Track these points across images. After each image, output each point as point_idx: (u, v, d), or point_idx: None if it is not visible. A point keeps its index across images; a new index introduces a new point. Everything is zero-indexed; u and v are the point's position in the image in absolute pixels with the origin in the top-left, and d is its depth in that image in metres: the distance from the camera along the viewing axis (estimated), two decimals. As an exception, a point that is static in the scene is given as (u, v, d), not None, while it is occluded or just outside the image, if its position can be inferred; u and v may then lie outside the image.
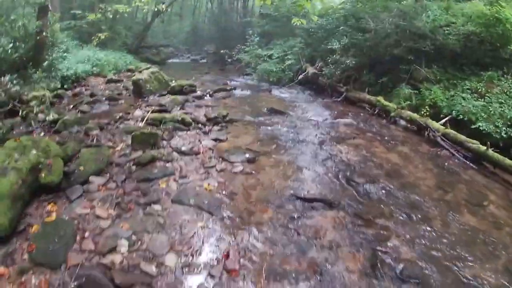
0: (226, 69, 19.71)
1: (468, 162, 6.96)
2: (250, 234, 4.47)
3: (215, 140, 7.18)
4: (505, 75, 8.69)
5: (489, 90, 8.34)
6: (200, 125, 7.99)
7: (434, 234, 4.68)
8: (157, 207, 4.79)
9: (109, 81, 13.03)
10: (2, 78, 8.03)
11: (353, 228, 4.69)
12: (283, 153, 6.83)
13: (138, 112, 8.65)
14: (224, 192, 5.25)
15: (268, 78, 14.83)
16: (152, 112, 8.43)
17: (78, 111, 8.85)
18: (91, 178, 5.30)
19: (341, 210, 4.99)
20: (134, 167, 5.75)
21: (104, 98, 10.09)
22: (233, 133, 7.76)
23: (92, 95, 10.45)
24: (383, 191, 5.55)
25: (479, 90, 8.48)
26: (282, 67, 14.99)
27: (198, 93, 11.46)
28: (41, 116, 7.75)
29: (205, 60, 25.66)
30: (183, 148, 6.54)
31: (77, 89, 11.38)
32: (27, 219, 4.45)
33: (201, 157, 6.31)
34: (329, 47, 13.09)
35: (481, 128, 7.47)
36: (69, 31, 17.68)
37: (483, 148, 6.80)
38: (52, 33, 11.38)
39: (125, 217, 4.59)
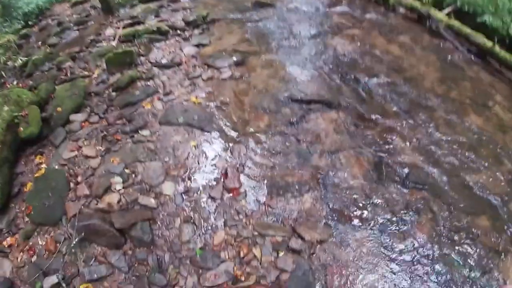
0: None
1: (472, 57, 6.38)
2: (247, 147, 4.17)
3: (197, 45, 6.46)
4: None
5: None
6: (178, 32, 7.14)
7: (439, 136, 4.42)
8: (145, 132, 4.43)
9: (75, 3, 11.63)
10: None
11: (355, 130, 4.41)
12: (274, 51, 6.17)
13: (109, 31, 7.73)
14: (214, 103, 4.83)
15: None
16: (124, 27, 7.54)
17: (47, 46, 8.01)
18: (72, 117, 4.88)
19: (341, 111, 4.64)
20: (114, 93, 5.25)
21: (72, 24, 9.09)
22: (217, 34, 6.97)
23: (59, 24, 9.43)
24: (385, 88, 5.13)
25: None
26: None
27: (173, -4, 10.19)
28: (10, 63, 7.23)
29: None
30: (163, 61, 5.94)
31: (43, 22, 10.30)
32: (19, 179, 4.22)
33: (184, 68, 5.73)
34: None
35: (487, 22, 6.66)
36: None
37: (490, 43, 6.21)
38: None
39: (114, 150, 4.27)
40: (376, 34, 6.88)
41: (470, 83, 5.56)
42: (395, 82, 5.22)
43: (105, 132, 4.48)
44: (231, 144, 4.20)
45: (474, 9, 7.04)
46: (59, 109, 4.94)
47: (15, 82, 6.52)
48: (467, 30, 6.67)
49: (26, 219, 3.75)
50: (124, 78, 5.37)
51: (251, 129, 4.36)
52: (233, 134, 4.30)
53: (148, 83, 5.36)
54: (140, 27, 7.20)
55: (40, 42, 8.44)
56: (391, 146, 4.23)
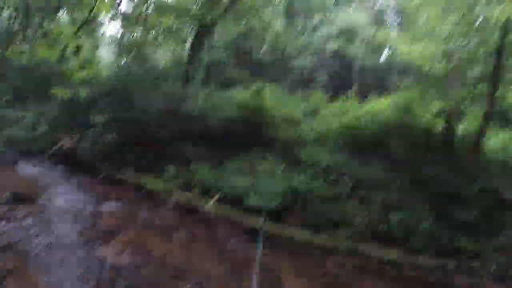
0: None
1: (247, 238, 7.12)
2: None
3: None
4: (266, 155, 9.84)
5: (254, 169, 9.18)
6: None
7: None
8: None
9: None
10: None
11: None
12: (35, 269, 5.06)
13: None
14: None
15: (15, 146, 12.33)
16: None
17: None
18: None
19: None
20: None
21: None
22: None
23: None
24: None
25: (246, 168, 9.23)
26: (34, 135, 12.58)
27: None
28: None
29: None
30: None
31: None
32: None
33: None
34: (90, 120, 11.89)
35: (251, 203, 7.93)
36: None
37: (260, 222, 7.37)
38: None
39: None
40: (152, 234, 6.86)
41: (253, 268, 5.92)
42: None
43: None
44: None
45: (239, 194, 8.24)
46: None
47: None
48: (234, 213, 7.84)
49: None
50: None
51: None
52: None
53: None
54: None
55: None
56: None
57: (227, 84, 12.94)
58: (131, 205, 8.47)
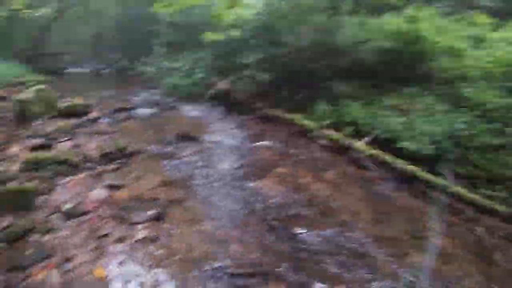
0: (130, 82, 17.79)
1: (398, 184, 6.50)
2: None
3: (110, 187, 5.67)
4: (424, 91, 8.53)
5: (410, 107, 8.11)
6: (91, 165, 6.43)
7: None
8: None
9: (-7, 101, 10.98)
10: None
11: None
12: (198, 199, 5.63)
13: (15, 149, 6.86)
14: (122, 281, 3.81)
15: (176, 93, 13.59)
16: (32, 148, 6.75)
17: None
18: None
19: (280, 284, 3.90)
20: (2, 244, 4.18)
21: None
22: (134, 173, 6.36)
23: (-34, 124, 8.53)
24: (320, 241, 4.69)
25: (401, 107, 8.22)
26: (191, 81, 13.80)
27: (94, 114, 9.88)
28: None
29: (108, 71, 23.48)
30: (66, 206, 4.97)
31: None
32: None
33: (91, 220, 4.80)
34: (243, 61, 12.16)
35: (405, 146, 7.03)
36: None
37: (411, 168, 6.54)
38: None
39: None
40: (303, 170, 6.85)
41: (401, 215, 5.49)
42: (329, 231, 4.88)
43: None
44: None
45: (392, 135, 7.45)
46: None
47: None
48: (387, 157, 6.93)
49: None
50: (15, 229, 4.35)
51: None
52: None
53: (45, 238, 4.33)
54: (48, 154, 6.39)
55: None
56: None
57: (378, 10, 11.61)
58: (284, 142, 8.65)
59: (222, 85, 12.49)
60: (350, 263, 4.29)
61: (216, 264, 4.12)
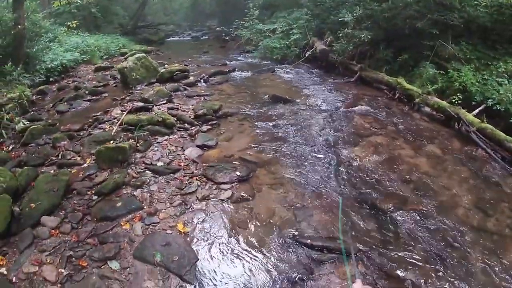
0: (226, 47, 18.08)
1: (508, 167, 5.61)
2: None
3: (202, 147, 5.88)
4: None
5: None
6: (185, 126, 6.67)
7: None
8: (114, 264, 3.62)
9: (98, 69, 11.92)
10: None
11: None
12: (286, 163, 5.47)
13: (116, 111, 7.41)
14: (203, 238, 3.95)
15: (271, 55, 13.27)
16: (130, 111, 7.18)
17: (55, 112, 7.87)
18: (43, 219, 4.21)
19: (359, 262, 3.64)
20: (95, 198, 4.58)
21: (86, 92, 9.01)
22: (226, 133, 6.47)
23: (76, 88, 9.41)
24: (413, 223, 4.25)
25: None
26: (287, 42, 13.30)
27: (191, 79, 10.14)
28: (12, 124, 6.85)
29: (206, 37, 24.08)
30: (159, 164, 5.28)
31: (64, 82, 10.41)
32: None
33: (180, 177, 5.01)
34: (340, 19, 11.28)
35: None
36: (60, 16, 16.48)
37: None
38: (34, 23, 10.72)
39: (75, 280, 3.48)
40: (401, 141, 6.25)
41: (510, 205, 4.72)
42: (424, 213, 4.40)
43: (72, 252, 3.77)
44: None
45: (506, 107, 6.52)
46: (32, 205, 4.33)
47: (11, 147, 6.20)
48: (501, 134, 5.99)
49: None
50: (109, 183, 4.73)
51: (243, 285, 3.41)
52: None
53: (135, 192, 4.67)
54: (144, 116, 6.74)
55: (51, 105, 8.28)
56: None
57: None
58: (383, 108, 7.99)
59: (319, 46, 11.84)
60: (440, 255, 3.80)
61: (296, 233, 4.01)
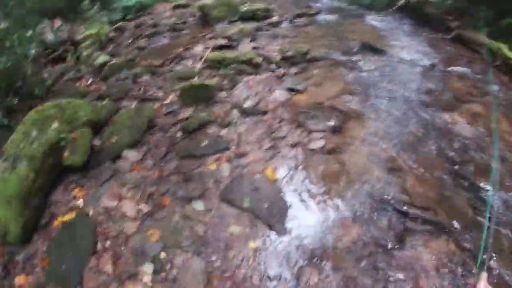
0: (311, -12, 16.82)
1: None
2: (322, 273, 2.81)
3: (290, 90, 5.34)
4: None
5: None
6: (272, 67, 6.14)
7: None
8: (199, 205, 3.39)
9: (176, 6, 11.52)
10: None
11: (466, 275, 2.82)
12: (378, 117, 4.81)
13: (198, 48, 7.05)
14: (292, 187, 3.57)
15: (360, 1, 11.94)
16: (213, 49, 6.77)
17: (134, 48, 7.74)
18: (125, 153, 4.11)
19: (453, 240, 3.06)
20: (179, 134, 4.36)
21: (166, 29, 8.79)
22: (314, 78, 5.81)
23: (154, 25, 9.25)
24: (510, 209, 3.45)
25: None
26: None
27: (274, 19, 9.40)
28: (92, 59, 6.96)
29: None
30: (247, 104, 4.91)
31: (141, 19, 10.27)
32: (51, 209, 3.62)
33: (269, 120, 4.61)
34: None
35: None
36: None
37: None
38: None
39: (156, 219, 3.34)
40: (501, 115, 5.17)
41: None
42: None
43: (154, 188, 3.62)
44: (302, 262, 2.91)
45: None
46: (113, 138, 4.25)
47: (90, 81, 6.27)
48: None
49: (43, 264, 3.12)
50: (195, 120, 4.50)
51: (331, 242, 3.06)
52: (308, 247, 3.02)
53: (222, 132, 4.38)
54: (229, 54, 6.31)
55: (130, 41, 8.20)
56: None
57: None
58: (481, 73, 6.65)
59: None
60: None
61: (388, 196, 3.46)
